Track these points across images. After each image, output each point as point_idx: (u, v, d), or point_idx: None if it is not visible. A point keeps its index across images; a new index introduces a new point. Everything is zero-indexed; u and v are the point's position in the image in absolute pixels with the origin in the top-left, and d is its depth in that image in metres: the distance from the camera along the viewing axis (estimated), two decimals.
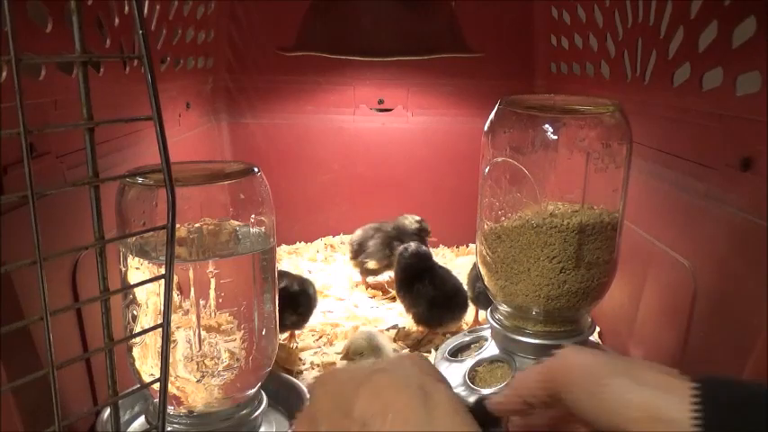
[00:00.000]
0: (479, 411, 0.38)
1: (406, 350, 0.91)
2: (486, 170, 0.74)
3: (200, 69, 1.19)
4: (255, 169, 0.62)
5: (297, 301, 0.89)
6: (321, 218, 1.40)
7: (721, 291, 0.64)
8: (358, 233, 1.16)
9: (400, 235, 1.14)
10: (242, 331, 0.61)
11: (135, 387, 0.57)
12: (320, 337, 0.97)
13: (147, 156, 0.85)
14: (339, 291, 1.15)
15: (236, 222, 0.64)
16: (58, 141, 0.64)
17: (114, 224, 0.59)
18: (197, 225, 0.63)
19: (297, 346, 0.93)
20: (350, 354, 0.75)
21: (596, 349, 0.38)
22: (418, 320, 0.95)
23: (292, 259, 1.31)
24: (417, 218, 1.18)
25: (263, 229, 0.64)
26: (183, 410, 0.61)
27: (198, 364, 0.60)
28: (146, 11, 0.91)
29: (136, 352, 0.60)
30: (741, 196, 0.62)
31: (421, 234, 1.17)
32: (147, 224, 0.57)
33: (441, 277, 0.95)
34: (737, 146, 0.63)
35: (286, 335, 0.94)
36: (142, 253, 0.58)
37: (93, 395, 0.67)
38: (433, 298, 0.92)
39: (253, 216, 0.63)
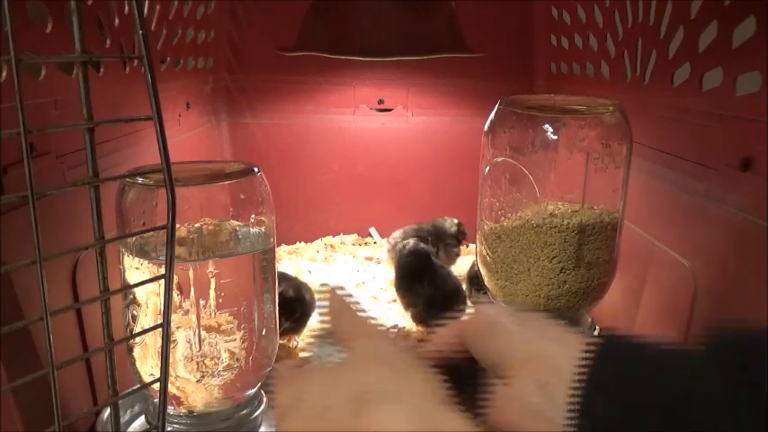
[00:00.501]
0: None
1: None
2: (486, 170, 0.74)
3: (200, 69, 1.19)
4: (255, 169, 0.62)
5: (292, 308, 0.87)
6: (321, 218, 1.40)
7: (721, 291, 0.64)
8: (398, 233, 1.18)
9: (439, 235, 1.15)
10: (242, 331, 0.61)
11: (135, 387, 0.57)
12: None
13: (147, 156, 0.85)
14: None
15: (236, 222, 0.64)
16: (58, 141, 0.64)
17: (114, 224, 0.59)
18: (197, 225, 0.63)
19: (297, 346, 0.93)
20: None
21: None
22: (417, 320, 0.95)
23: (292, 259, 1.31)
24: (456, 220, 1.20)
25: (262, 229, 0.64)
26: (183, 410, 0.61)
27: (198, 364, 0.60)
28: (146, 11, 0.91)
29: (136, 352, 0.60)
30: (741, 196, 0.62)
31: (458, 237, 1.18)
32: (147, 224, 0.57)
33: (441, 277, 0.95)
34: (737, 146, 0.63)
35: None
36: (142, 253, 0.58)
37: (93, 395, 0.67)
38: (431, 297, 0.92)
39: (253, 216, 0.63)
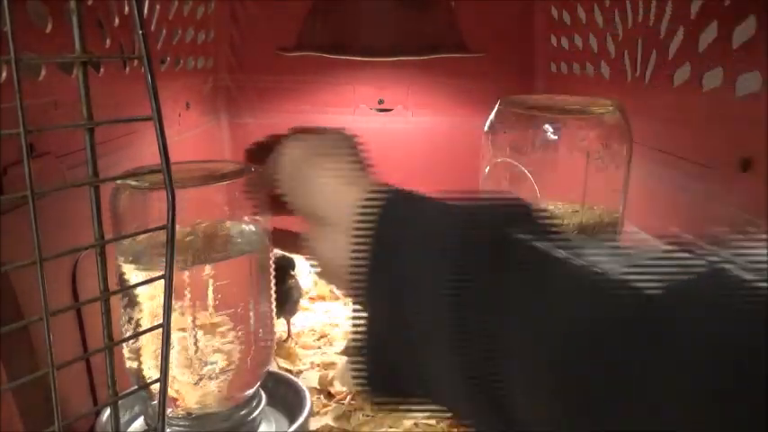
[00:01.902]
0: None
1: None
2: (487, 170, 0.74)
3: (200, 69, 1.19)
4: (252, 169, 0.62)
5: (288, 264, 0.91)
6: None
7: None
8: None
9: None
10: (239, 332, 0.61)
11: (135, 387, 0.57)
12: (320, 337, 0.97)
13: (147, 156, 0.84)
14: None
15: (231, 223, 0.63)
16: (58, 141, 0.64)
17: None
18: (190, 229, 0.62)
19: (296, 345, 0.93)
20: (350, 351, 0.75)
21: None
22: None
23: None
24: None
25: (258, 229, 0.64)
26: (182, 412, 0.61)
27: (195, 366, 0.60)
28: (146, 11, 0.91)
29: (132, 354, 0.60)
30: (741, 196, 0.62)
31: None
32: (141, 227, 0.57)
33: None
34: (737, 146, 0.63)
35: (286, 330, 0.94)
36: (137, 262, 0.58)
37: (93, 395, 0.67)
38: None
39: (247, 217, 0.63)
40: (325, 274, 0.42)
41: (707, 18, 0.68)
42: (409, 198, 0.36)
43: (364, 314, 0.35)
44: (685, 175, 0.73)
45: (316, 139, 0.46)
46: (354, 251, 0.34)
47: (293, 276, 0.92)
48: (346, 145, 0.47)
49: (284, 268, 0.90)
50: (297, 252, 0.50)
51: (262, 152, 0.51)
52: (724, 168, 0.65)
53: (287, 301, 0.91)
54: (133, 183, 0.56)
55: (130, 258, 0.58)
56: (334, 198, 0.39)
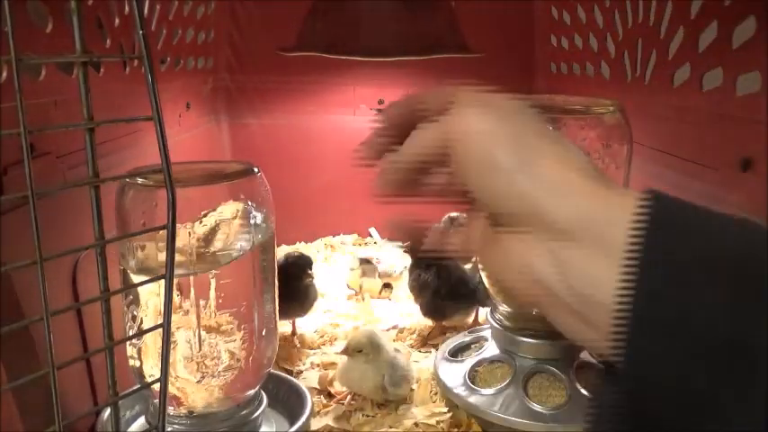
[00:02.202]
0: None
1: (408, 350, 0.91)
2: None
3: (200, 69, 1.19)
4: (255, 169, 0.62)
5: (306, 262, 0.90)
6: (321, 218, 1.40)
7: None
8: (438, 226, 1.17)
9: None
10: (242, 332, 0.61)
11: (135, 387, 0.58)
12: (321, 337, 0.97)
13: (147, 156, 0.85)
14: (339, 291, 1.15)
15: (237, 222, 0.64)
16: (58, 141, 0.64)
17: (114, 224, 0.59)
18: (196, 226, 0.63)
19: (298, 346, 0.93)
20: (350, 350, 0.76)
21: (506, 110, 0.33)
22: (424, 312, 0.95)
23: None
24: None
25: (263, 229, 0.64)
26: (184, 411, 0.61)
27: (198, 364, 0.60)
28: (146, 11, 0.91)
29: (136, 352, 0.60)
30: (741, 196, 0.62)
31: None
32: (147, 224, 0.57)
33: (447, 269, 0.95)
34: (737, 146, 0.63)
35: (288, 329, 0.94)
36: (144, 269, 0.58)
37: (94, 395, 0.67)
38: (436, 289, 0.92)
39: (253, 216, 0.63)
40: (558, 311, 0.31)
41: (707, 18, 0.68)
42: (693, 211, 0.28)
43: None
44: (685, 175, 0.73)
45: (504, 105, 0.34)
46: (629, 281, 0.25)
47: (310, 275, 0.91)
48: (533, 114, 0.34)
49: (301, 266, 0.90)
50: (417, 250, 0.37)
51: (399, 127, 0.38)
52: (724, 168, 0.65)
53: (303, 299, 0.90)
54: (140, 180, 0.56)
55: (138, 270, 0.58)
56: (581, 200, 0.28)
